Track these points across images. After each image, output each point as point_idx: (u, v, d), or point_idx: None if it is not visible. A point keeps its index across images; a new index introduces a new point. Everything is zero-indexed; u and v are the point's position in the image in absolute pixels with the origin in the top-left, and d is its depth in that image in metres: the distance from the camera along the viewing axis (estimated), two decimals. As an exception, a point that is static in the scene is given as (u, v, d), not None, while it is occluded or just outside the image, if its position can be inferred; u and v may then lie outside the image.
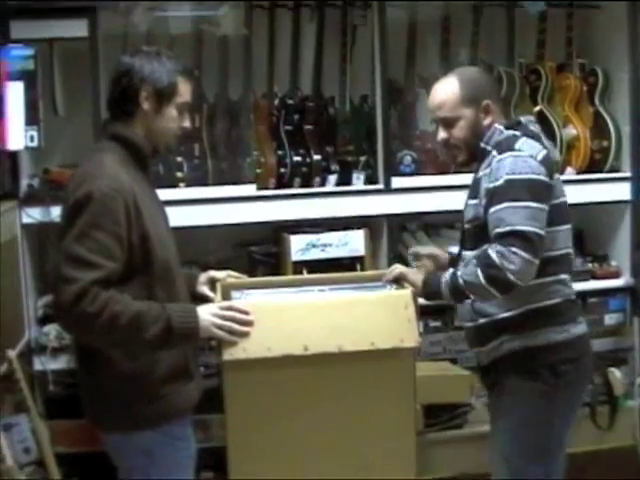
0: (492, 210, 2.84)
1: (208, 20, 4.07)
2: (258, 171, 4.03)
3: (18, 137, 3.55)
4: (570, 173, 4.28)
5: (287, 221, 4.04)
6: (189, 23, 4.09)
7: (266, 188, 4.03)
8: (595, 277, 4.37)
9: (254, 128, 4.10)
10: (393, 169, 4.12)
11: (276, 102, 4.18)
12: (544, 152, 2.91)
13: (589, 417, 3.76)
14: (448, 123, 3.04)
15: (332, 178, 4.15)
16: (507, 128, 3.02)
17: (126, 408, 2.73)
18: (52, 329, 3.84)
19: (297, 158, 4.11)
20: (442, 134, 3.07)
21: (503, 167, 2.86)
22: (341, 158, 4.20)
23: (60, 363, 3.84)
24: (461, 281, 2.85)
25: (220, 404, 2.88)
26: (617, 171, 4.37)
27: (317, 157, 4.13)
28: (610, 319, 4.39)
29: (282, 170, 4.08)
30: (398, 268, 3.12)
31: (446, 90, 3.04)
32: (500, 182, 2.84)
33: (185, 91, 2.82)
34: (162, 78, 2.75)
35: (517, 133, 2.98)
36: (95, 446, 3.52)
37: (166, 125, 2.81)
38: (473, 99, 3.01)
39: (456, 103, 3.01)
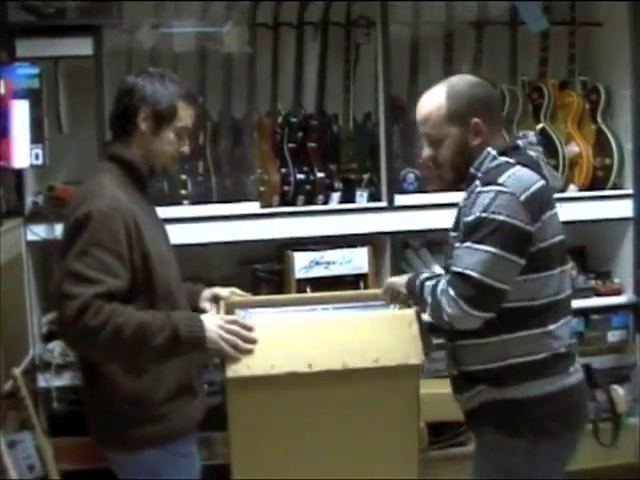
0: (457, 245, 2.64)
1: (212, 38, 4.09)
2: (262, 189, 4.04)
3: (23, 155, 3.56)
4: (572, 190, 4.28)
5: (291, 239, 4.04)
6: (193, 41, 4.11)
7: (270, 206, 4.04)
8: (598, 294, 4.38)
9: (258, 146, 4.11)
10: (396, 186, 4.13)
11: (280, 120, 4.20)
12: (537, 186, 2.60)
13: (592, 434, 3.75)
14: (432, 141, 2.77)
15: (335, 196, 4.16)
16: (501, 153, 2.70)
17: (131, 428, 2.73)
18: (56, 346, 3.85)
19: (300, 176, 4.12)
20: (427, 151, 2.81)
21: (479, 202, 2.58)
22: (344, 176, 4.21)
23: (64, 380, 3.85)
24: (425, 296, 2.70)
25: (224, 421, 2.87)
26: (619, 188, 4.37)
27: (320, 175, 4.14)
28: (613, 336, 4.39)
29: (286, 188, 4.10)
30: (387, 280, 3.08)
31: (432, 103, 2.75)
32: (471, 218, 2.59)
33: (185, 116, 2.81)
34: (162, 100, 2.75)
35: (510, 161, 2.67)
36: (99, 463, 3.52)
37: (163, 148, 2.80)
38: (461, 117, 2.71)
39: (441, 120, 2.72)
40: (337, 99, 4.26)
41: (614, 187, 4.36)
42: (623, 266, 4.43)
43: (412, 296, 2.84)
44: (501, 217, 2.53)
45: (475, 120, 2.69)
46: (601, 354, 4.35)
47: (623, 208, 4.31)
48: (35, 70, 3.62)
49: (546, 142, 4.23)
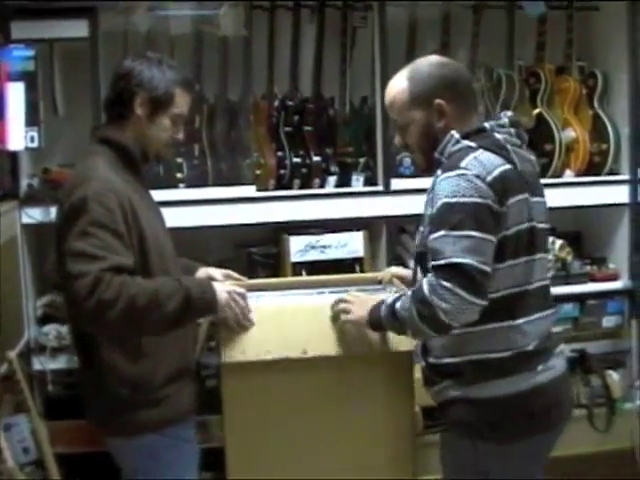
0: (431, 238, 2.49)
1: (208, 20, 4.06)
2: (258, 172, 4.03)
3: (18, 137, 3.56)
4: (569, 176, 4.29)
5: (286, 222, 4.03)
6: (189, 23, 4.08)
7: (266, 189, 4.04)
8: (593, 280, 4.37)
9: (254, 129, 4.10)
10: (392, 171, 4.12)
11: (276, 103, 4.18)
12: (501, 169, 2.49)
13: (587, 419, 3.76)
14: (400, 126, 2.72)
15: (332, 179, 4.15)
16: (465, 136, 2.59)
17: (130, 412, 2.74)
18: (51, 329, 3.84)
19: (297, 159, 4.11)
20: (397, 137, 2.77)
21: (443, 189, 2.48)
22: (341, 159, 4.20)
23: (59, 363, 3.85)
24: (398, 316, 2.54)
25: (219, 405, 2.89)
26: (616, 174, 4.37)
27: (317, 158, 4.13)
28: (608, 322, 4.39)
29: (282, 171, 4.09)
30: (392, 269, 3.07)
31: (396, 88, 2.68)
32: (439, 206, 2.48)
33: (182, 103, 2.82)
34: (159, 86, 2.75)
35: (472, 145, 2.55)
36: (94, 446, 3.54)
37: (158, 134, 2.81)
38: (423, 99, 2.62)
39: (405, 104, 2.65)
40: (334, 82, 4.25)
41: (610, 173, 4.36)
42: (619, 252, 4.42)
43: (378, 328, 2.70)
44: (472, 199, 2.44)
45: (438, 101, 2.61)
46: (596, 339, 4.35)
47: (619, 194, 4.30)
48: (30, 52, 3.61)
49: (543, 127, 4.25)
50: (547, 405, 2.60)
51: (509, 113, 2.69)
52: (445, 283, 2.40)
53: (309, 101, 4.22)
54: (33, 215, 3.77)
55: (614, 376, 3.92)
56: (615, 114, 4.38)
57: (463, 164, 2.48)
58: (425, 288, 2.44)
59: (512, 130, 2.63)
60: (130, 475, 2.90)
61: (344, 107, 4.24)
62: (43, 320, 3.92)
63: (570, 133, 4.29)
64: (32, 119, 3.60)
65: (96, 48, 3.78)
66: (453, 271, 2.41)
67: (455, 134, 2.59)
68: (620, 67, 4.32)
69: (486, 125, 2.61)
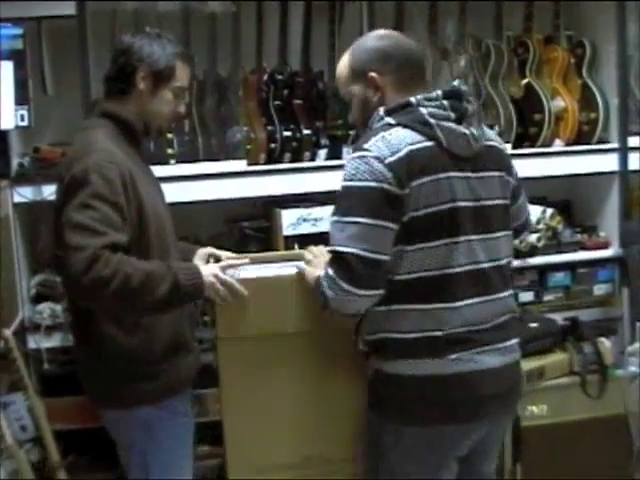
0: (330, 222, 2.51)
1: (196, -4, 4.06)
2: (248, 147, 4.02)
3: (8, 116, 3.55)
4: (558, 145, 4.30)
5: (278, 196, 4.03)
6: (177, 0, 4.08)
7: (256, 163, 4.03)
8: (584, 248, 4.40)
9: (243, 104, 4.10)
10: (382, 143, 4.11)
11: (265, 78, 4.17)
12: (411, 149, 2.42)
13: (579, 386, 3.79)
14: (347, 102, 2.71)
15: (322, 152, 4.15)
16: (390, 112, 2.53)
17: (126, 385, 2.77)
18: (46, 307, 3.84)
19: (287, 133, 4.10)
20: (349, 113, 2.75)
21: (345, 172, 2.46)
22: (331, 132, 4.18)
23: (54, 341, 3.85)
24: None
25: (214, 379, 2.92)
26: (605, 142, 4.38)
27: (307, 132, 4.12)
28: (599, 289, 4.43)
29: (272, 145, 4.08)
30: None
31: (340, 64, 2.69)
32: (339, 189, 2.48)
33: (182, 76, 2.85)
34: (160, 60, 2.78)
35: (392, 122, 2.49)
36: (90, 422, 3.58)
37: (160, 107, 2.84)
38: (360, 72, 2.59)
39: (345, 79, 2.65)
40: (322, 56, 4.23)
41: (600, 141, 4.37)
42: (609, 220, 4.45)
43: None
44: (366, 183, 2.40)
45: (371, 74, 2.57)
46: (588, 307, 4.39)
47: (609, 162, 4.32)
48: (19, 30, 3.60)
49: (532, 97, 4.26)
50: (453, 397, 2.53)
51: (455, 83, 2.62)
52: (330, 272, 2.43)
53: (298, 75, 4.20)
54: (25, 194, 3.76)
55: (606, 343, 3.94)
56: (604, 83, 4.39)
57: (367, 145, 2.44)
58: (322, 275, 2.48)
59: (444, 103, 2.50)
60: (125, 449, 2.92)
61: (333, 80, 4.22)
62: (37, 299, 3.92)
63: (559, 102, 4.30)
64: (22, 98, 3.59)
65: (84, 26, 3.75)
66: (337, 260, 2.42)
67: (380, 110, 2.54)
68: (608, 36, 4.32)
69: (412, 99, 2.50)
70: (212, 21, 4.06)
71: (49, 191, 3.63)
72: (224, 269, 2.76)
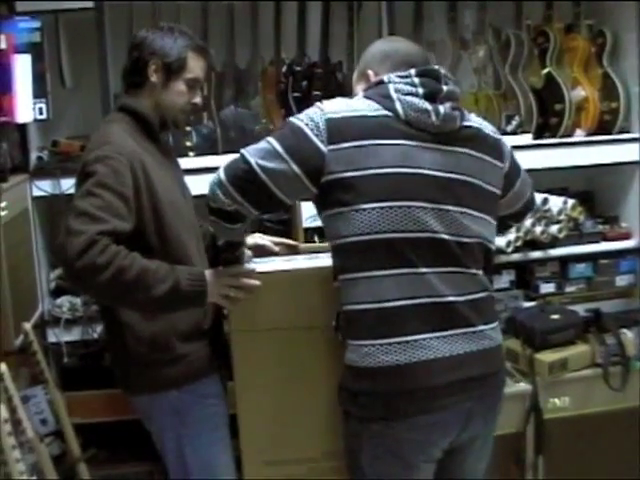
0: None
1: (214, -12, 4.05)
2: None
3: (26, 110, 3.56)
4: (579, 135, 4.26)
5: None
6: (195, -9, 4.07)
7: (275, 155, 4.01)
8: (606, 239, 4.36)
9: (262, 95, 4.09)
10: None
11: (284, 69, 4.15)
12: (358, 113, 2.45)
13: (602, 378, 3.76)
14: None
15: (341, 144, 4.13)
16: (366, 90, 2.61)
17: (150, 370, 2.81)
18: (65, 301, 3.86)
19: (306, 125, 4.08)
20: None
21: None
22: (349, 124, 4.16)
23: (74, 335, 3.87)
24: None
25: (228, 372, 2.94)
26: (627, 132, 4.33)
27: (326, 123, 4.10)
28: (621, 280, 4.39)
29: (291, 137, 4.06)
30: None
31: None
32: None
33: (195, 67, 2.87)
34: (171, 52, 2.82)
35: (361, 94, 2.58)
36: (111, 416, 3.58)
37: (173, 99, 2.87)
38: (362, 72, 2.71)
39: (354, 81, 2.77)
40: (341, 47, 4.20)
41: (621, 131, 4.33)
42: (631, 210, 4.41)
43: None
44: (300, 123, 2.45)
45: (368, 71, 2.66)
46: (610, 298, 4.35)
47: (630, 152, 4.27)
48: (36, 24, 3.61)
49: (552, 87, 4.22)
50: (410, 388, 2.43)
51: (435, 67, 2.60)
52: (225, 164, 2.66)
53: (317, 66, 4.17)
54: (43, 188, 3.77)
55: (628, 335, 3.90)
56: (625, 72, 4.34)
57: (328, 101, 2.52)
58: None
59: (415, 80, 2.51)
60: (158, 436, 2.95)
61: (352, 71, 4.19)
62: (56, 292, 3.94)
63: (580, 92, 4.27)
64: (40, 91, 3.61)
65: (102, 18, 3.76)
66: (236, 160, 2.61)
67: (361, 91, 2.62)
68: (629, 25, 4.27)
69: (385, 77, 2.54)
70: (230, 12, 4.06)
71: (68, 185, 3.64)
72: (232, 275, 2.76)
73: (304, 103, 4.06)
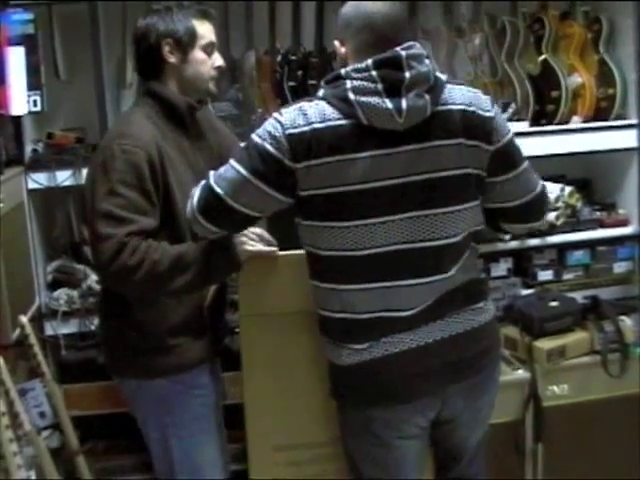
0: None
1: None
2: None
3: (21, 102, 3.54)
4: (576, 122, 4.24)
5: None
6: (188, -18, 4.05)
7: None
8: (603, 226, 4.35)
9: (257, 85, 4.08)
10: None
11: (279, 58, 4.14)
12: (322, 125, 2.34)
13: (600, 365, 3.76)
14: None
15: (336, 133, 4.11)
16: (327, 82, 2.46)
17: (140, 357, 2.82)
18: (62, 293, 3.85)
19: (301, 114, 4.06)
20: None
21: (262, 124, 2.49)
22: (346, 113, 4.15)
23: (71, 327, 3.86)
24: None
25: (232, 362, 2.95)
26: (623, 119, 4.31)
27: (321, 113, 4.08)
28: (619, 267, 4.38)
29: (287, 127, 4.04)
30: None
31: None
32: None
33: (205, 31, 2.86)
34: (178, 27, 2.80)
35: (320, 94, 2.42)
36: (109, 408, 3.58)
37: (198, 69, 2.86)
38: (339, 37, 2.54)
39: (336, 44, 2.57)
40: (336, 36, 4.19)
41: (618, 118, 4.31)
42: (628, 197, 4.39)
43: None
44: (263, 142, 2.39)
45: (335, 43, 2.55)
46: (608, 285, 4.35)
47: (627, 138, 4.24)
48: (29, 16, 3.59)
49: (548, 74, 4.20)
50: (372, 382, 2.54)
51: (397, 50, 2.39)
52: (196, 194, 2.57)
53: (312, 55, 4.16)
54: (39, 180, 3.75)
55: (627, 322, 3.90)
56: (621, 59, 4.31)
57: (286, 109, 2.42)
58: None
59: (373, 74, 2.36)
60: (144, 424, 2.97)
61: (347, 61, 4.20)
62: (53, 285, 3.93)
63: (576, 79, 4.25)
64: (34, 83, 3.59)
65: (95, 10, 3.73)
66: (205, 190, 2.55)
67: (322, 81, 2.49)
68: (625, 11, 4.25)
69: (342, 72, 2.41)
70: (224, 2, 4.03)
71: (63, 177, 3.64)
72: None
73: (299, 92, 4.07)
